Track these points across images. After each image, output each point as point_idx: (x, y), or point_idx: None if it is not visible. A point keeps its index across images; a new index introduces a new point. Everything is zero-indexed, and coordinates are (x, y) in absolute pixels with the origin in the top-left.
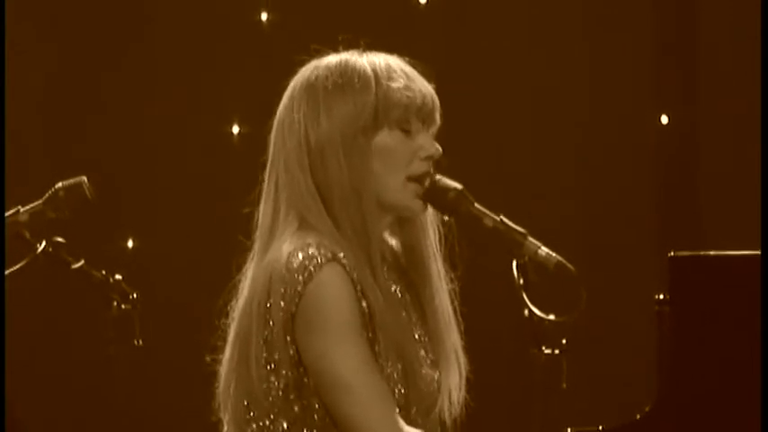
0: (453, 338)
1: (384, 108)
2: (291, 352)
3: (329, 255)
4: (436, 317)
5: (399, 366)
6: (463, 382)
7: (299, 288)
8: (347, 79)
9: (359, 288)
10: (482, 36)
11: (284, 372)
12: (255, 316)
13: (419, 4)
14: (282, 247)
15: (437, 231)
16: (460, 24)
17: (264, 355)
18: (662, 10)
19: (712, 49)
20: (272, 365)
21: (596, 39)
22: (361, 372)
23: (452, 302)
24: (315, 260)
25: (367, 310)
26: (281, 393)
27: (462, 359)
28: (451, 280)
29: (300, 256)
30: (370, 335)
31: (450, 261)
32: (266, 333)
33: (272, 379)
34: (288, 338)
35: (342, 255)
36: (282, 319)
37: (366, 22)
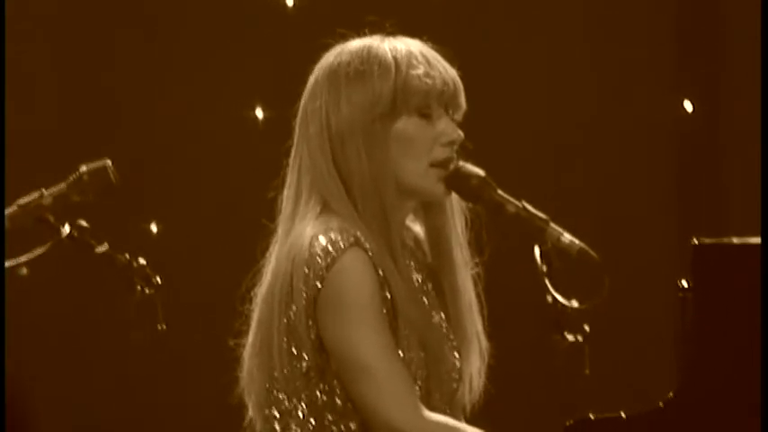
0: (476, 324)
1: (403, 95)
2: (313, 336)
3: (352, 239)
4: (459, 302)
5: (421, 353)
6: (484, 367)
7: (322, 272)
8: (367, 66)
9: (381, 273)
10: (505, 20)
11: (306, 355)
12: (278, 300)
13: None
14: (305, 232)
15: (463, 217)
16: (485, 7)
17: (286, 338)
18: None
19: (735, 35)
20: (295, 349)
21: (619, 25)
22: (382, 356)
23: (476, 287)
24: (338, 244)
25: (389, 296)
26: (302, 377)
27: (484, 345)
28: (476, 264)
29: (323, 240)
30: (392, 321)
31: (477, 246)
32: (289, 316)
33: (294, 363)
34: (310, 322)
35: (364, 239)
36: (305, 303)
37: (391, 5)
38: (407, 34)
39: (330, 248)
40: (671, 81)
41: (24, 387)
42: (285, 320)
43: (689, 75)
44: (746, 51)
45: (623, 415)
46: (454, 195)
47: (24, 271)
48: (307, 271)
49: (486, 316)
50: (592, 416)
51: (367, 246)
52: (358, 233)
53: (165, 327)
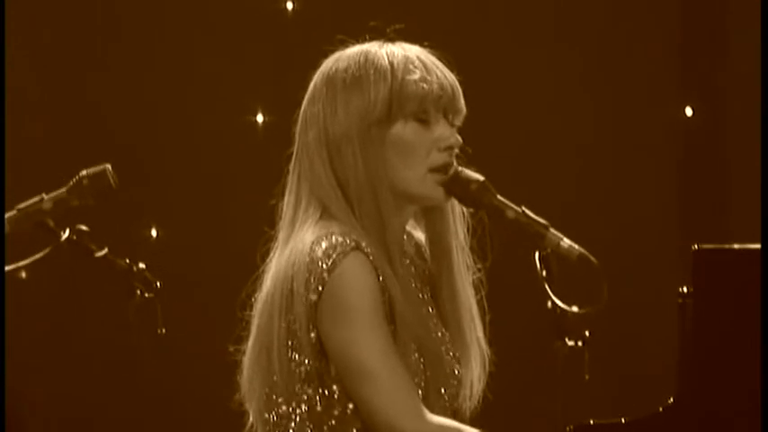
0: (476, 331)
1: (398, 100)
2: (314, 340)
3: (353, 244)
4: (459, 309)
5: (418, 358)
6: (485, 374)
7: (323, 276)
8: (364, 71)
9: (381, 278)
10: (504, 28)
11: (306, 360)
12: (278, 305)
13: None
14: (305, 237)
15: (464, 223)
16: (484, 10)
17: (286, 343)
18: (689, 1)
19: (738, 41)
20: (295, 354)
21: (621, 29)
22: (384, 360)
23: (478, 292)
24: (338, 248)
25: (388, 301)
26: (302, 382)
27: (485, 351)
28: (478, 270)
29: (324, 244)
30: (390, 325)
31: (480, 252)
32: (289, 321)
33: (294, 367)
34: (310, 326)
35: (364, 244)
36: (305, 307)
37: (391, 8)
38: (408, 40)
39: (331, 252)
40: (673, 86)
41: (19, 392)
42: (285, 325)
43: (691, 80)
44: (749, 57)
45: (623, 420)
46: (455, 200)
47: (23, 275)
48: (308, 275)
49: (487, 322)
50: (592, 421)
51: (368, 250)
52: (359, 238)
53: (164, 331)
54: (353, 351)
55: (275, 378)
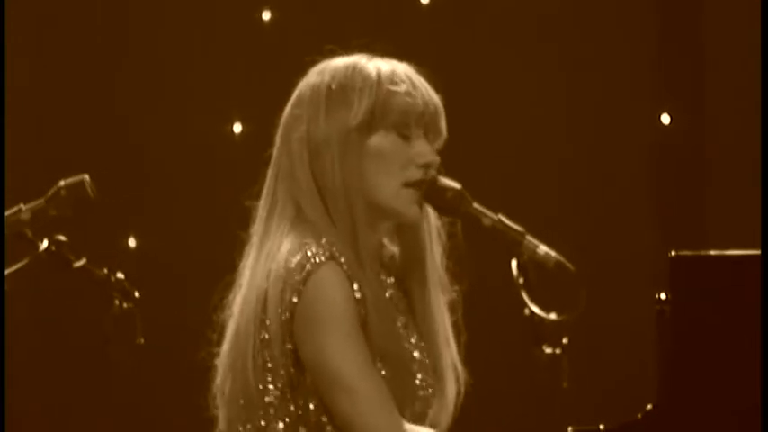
0: (450, 349)
1: (382, 110)
2: (289, 351)
3: (327, 254)
4: (432, 326)
5: (382, 369)
6: (459, 393)
7: (298, 286)
8: (350, 81)
9: (356, 286)
10: (481, 35)
11: (282, 371)
12: (253, 315)
13: (421, 4)
14: (281, 247)
15: (440, 243)
16: (460, 25)
17: (262, 354)
18: (666, 8)
19: (715, 47)
20: (270, 365)
21: (598, 36)
22: (361, 370)
23: (454, 313)
24: (313, 259)
25: (363, 310)
26: (278, 393)
27: (460, 370)
28: (454, 291)
29: (299, 255)
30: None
31: (455, 274)
32: (264, 333)
33: (269, 379)
34: (286, 338)
35: (338, 251)
36: (281, 319)
37: (367, 21)
38: (384, 51)
39: (305, 263)
40: (650, 93)
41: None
42: (261, 336)
43: (668, 87)
44: (727, 63)
45: (602, 428)
46: (432, 220)
47: None
48: (282, 286)
49: (462, 342)
50: (571, 429)
51: (342, 260)
52: (333, 248)
53: (143, 341)
54: (328, 361)
55: (250, 389)
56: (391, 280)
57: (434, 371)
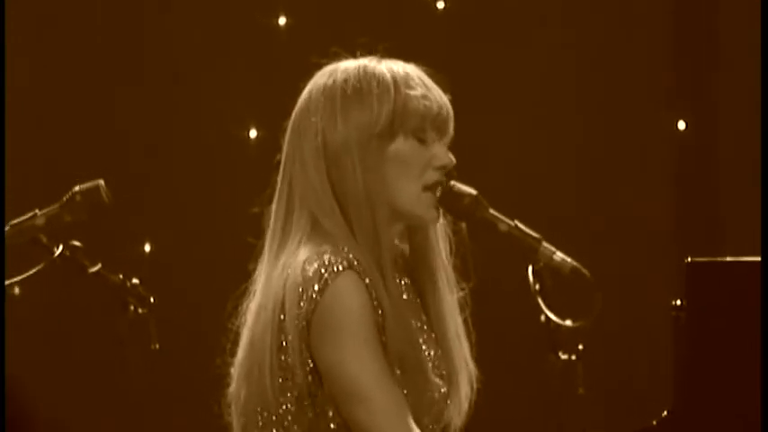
0: (463, 348)
1: (401, 116)
2: (306, 360)
3: (345, 263)
4: (444, 327)
5: (400, 374)
6: (473, 392)
7: (315, 296)
8: (366, 84)
9: (374, 295)
10: (496, 42)
11: (298, 379)
12: (270, 323)
13: (436, 9)
14: (298, 255)
15: (447, 240)
16: (475, 31)
17: (278, 362)
18: (682, 15)
19: (731, 53)
20: (286, 373)
21: (613, 42)
22: (377, 379)
23: (462, 311)
24: (331, 268)
25: (381, 317)
26: (294, 401)
27: (472, 369)
28: (462, 289)
29: (316, 263)
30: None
31: (463, 271)
32: (281, 341)
33: (286, 386)
34: (303, 346)
35: (356, 262)
36: (298, 327)
37: (383, 26)
38: (399, 55)
39: (323, 272)
40: (668, 99)
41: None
42: (277, 344)
43: (684, 93)
44: (741, 70)
45: None
46: (441, 218)
47: (17, 290)
48: (300, 294)
49: (480, 335)
50: None
51: (360, 269)
52: (351, 255)
53: (158, 346)
54: (346, 371)
55: (267, 396)
56: (406, 281)
57: (448, 371)
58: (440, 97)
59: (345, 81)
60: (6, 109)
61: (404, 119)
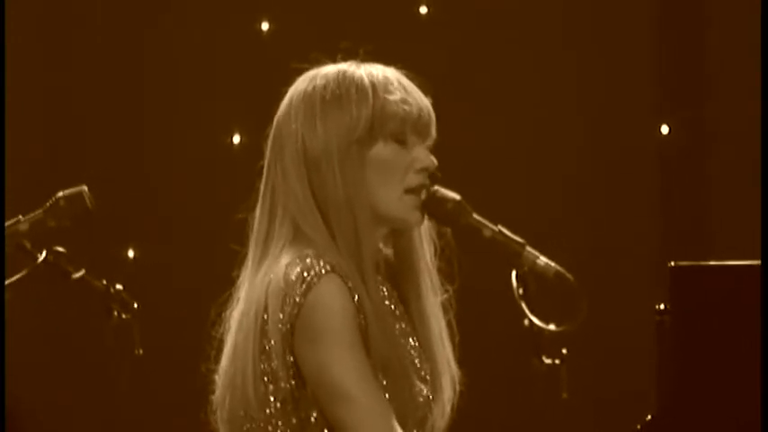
0: (446, 351)
1: (380, 120)
2: (290, 364)
3: (328, 266)
4: (428, 330)
5: (383, 379)
6: (456, 395)
7: (298, 299)
8: (344, 90)
9: (356, 299)
10: (480, 45)
11: (282, 384)
12: (252, 328)
13: (419, 14)
14: (280, 260)
15: (431, 244)
16: (459, 35)
17: (262, 367)
18: (666, 19)
19: (715, 57)
20: (270, 378)
21: (598, 47)
22: (361, 383)
23: (446, 314)
24: (313, 271)
25: (363, 321)
26: (278, 405)
27: (455, 371)
28: (446, 291)
29: (299, 267)
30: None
31: (447, 275)
32: (264, 345)
33: (270, 391)
34: (286, 350)
35: (338, 264)
36: (281, 331)
37: (366, 32)
38: (382, 61)
39: (306, 275)
40: (653, 104)
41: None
42: (260, 349)
43: (669, 97)
44: (725, 73)
45: None
46: (425, 222)
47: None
48: (283, 298)
49: (463, 340)
50: None
51: (343, 271)
52: (333, 259)
53: (141, 352)
54: (329, 374)
55: (251, 402)
56: (387, 287)
57: (431, 374)
58: (420, 100)
59: (324, 87)
60: None
61: (383, 123)
